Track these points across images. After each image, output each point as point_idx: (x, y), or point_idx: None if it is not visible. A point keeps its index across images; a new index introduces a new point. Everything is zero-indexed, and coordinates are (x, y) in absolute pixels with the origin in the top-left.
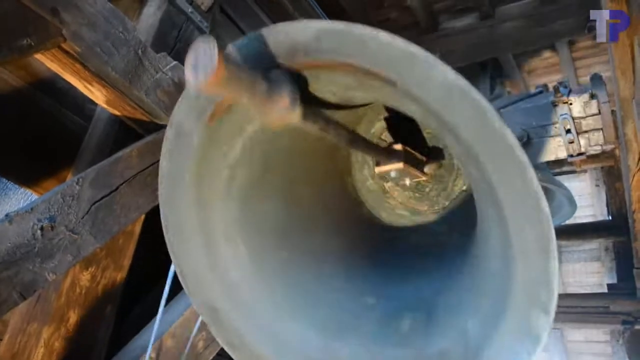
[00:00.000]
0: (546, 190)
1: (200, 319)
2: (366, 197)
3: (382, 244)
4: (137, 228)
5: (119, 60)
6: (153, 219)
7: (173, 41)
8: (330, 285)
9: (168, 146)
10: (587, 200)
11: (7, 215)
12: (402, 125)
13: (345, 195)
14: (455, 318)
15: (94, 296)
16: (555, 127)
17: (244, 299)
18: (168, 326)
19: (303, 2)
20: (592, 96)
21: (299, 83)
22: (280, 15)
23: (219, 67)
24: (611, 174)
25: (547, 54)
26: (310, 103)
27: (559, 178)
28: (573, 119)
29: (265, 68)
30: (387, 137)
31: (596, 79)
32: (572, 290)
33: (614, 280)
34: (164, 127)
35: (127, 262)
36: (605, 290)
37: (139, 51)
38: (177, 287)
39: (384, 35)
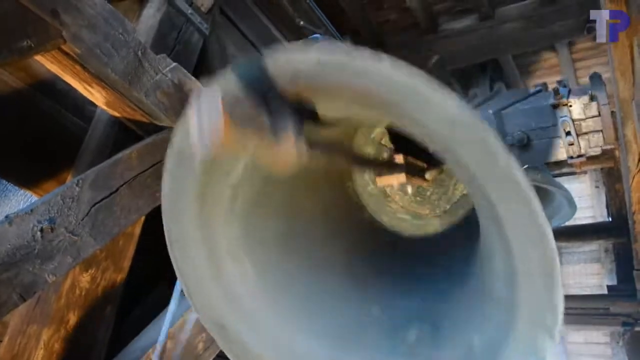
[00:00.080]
0: (546, 192)
1: (193, 320)
2: (367, 202)
3: (384, 250)
4: (137, 230)
5: (118, 62)
6: (153, 220)
7: (173, 42)
8: (336, 295)
9: (169, 168)
10: (587, 202)
11: (7, 216)
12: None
13: (347, 199)
14: (461, 333)
15: (93, 298)
16: (555, 129)
17: (250, 313)
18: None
19: (303, 3)
20: (592, 98)
21: (300, 110)
22: (280, 16)
23: (226, 132)
24: (611, 175)
25: (546, 55)
26: (311, 126)
27: (559, 179)
28: (573, 121)
29: (264, 94)
30: (387, 141)
31: (595, 78)
32: (572, 291)
33: (614, 282)
34: (164, 128)
35: (127, 263)
36: (605, 292)
37: (139, 53)
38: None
39: (386, 67)
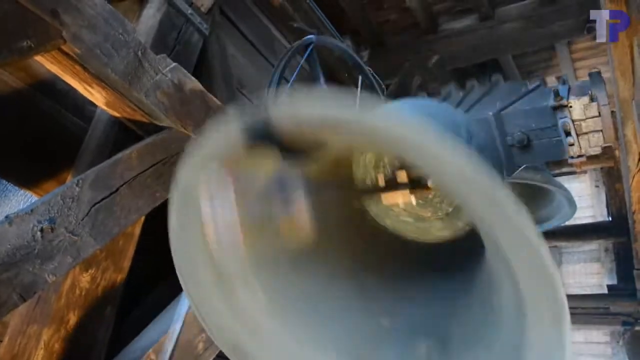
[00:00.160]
0: (546, 191)
1: (183, 319)
2: (370, 206)
3: (389, 256)
4: (137, 230)
5: (118, 62)
6: (153, 220)
7: (173, 43)
8: (345, 306)
9: (175, 206)
10: (586, 201)
11: (7, 217)
12: None
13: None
14: (470, 354)
15: (93, 298)
16: (555, 130)
17: (265, 334)
18: (167, 328)
19: (303, 3)
20: (592, 98)
21: (305, 157)
22: (280, 16)
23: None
24: (611, 175)
25: (546, 55)
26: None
27: (559, 179)
28: (573, 121)
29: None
30: (387, 162)
31: (595, 76)
32: (572, 291)
33: (614, 282)
34: (164, 128)
35: (127, 263)
36: (605, 292)
37: (139, 53)
38: (177, 289)
39: (397, 127)
